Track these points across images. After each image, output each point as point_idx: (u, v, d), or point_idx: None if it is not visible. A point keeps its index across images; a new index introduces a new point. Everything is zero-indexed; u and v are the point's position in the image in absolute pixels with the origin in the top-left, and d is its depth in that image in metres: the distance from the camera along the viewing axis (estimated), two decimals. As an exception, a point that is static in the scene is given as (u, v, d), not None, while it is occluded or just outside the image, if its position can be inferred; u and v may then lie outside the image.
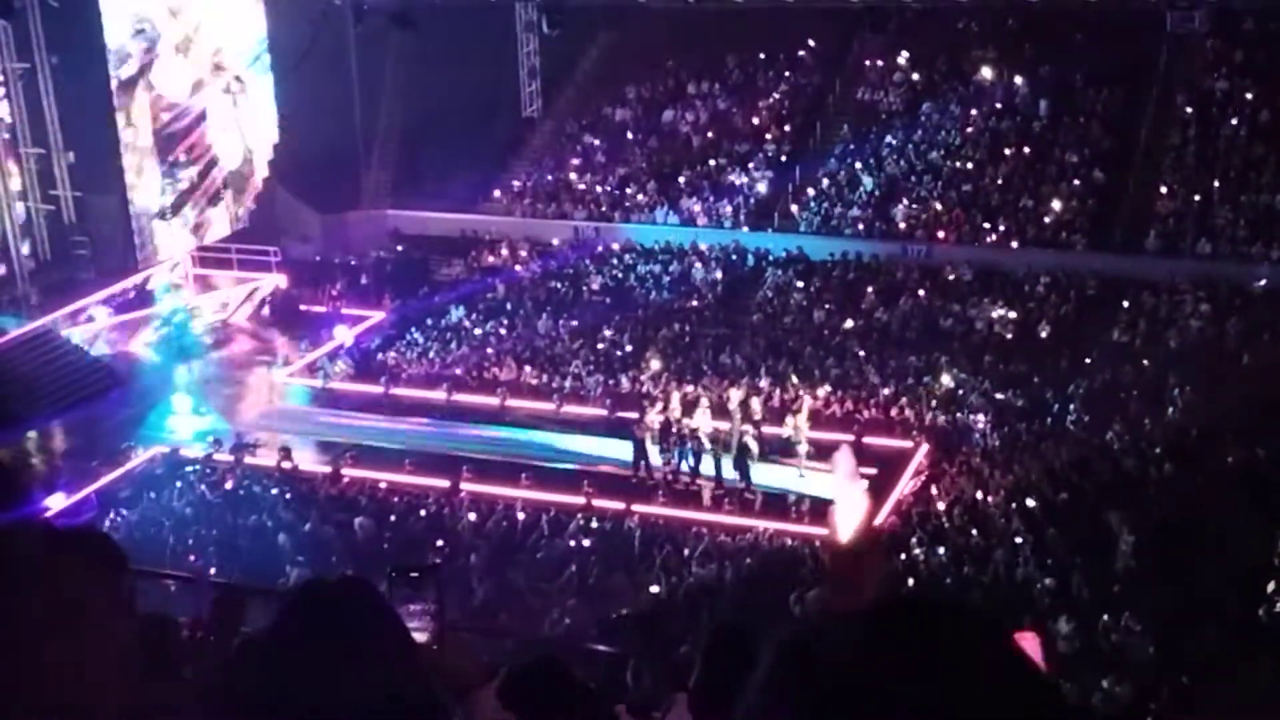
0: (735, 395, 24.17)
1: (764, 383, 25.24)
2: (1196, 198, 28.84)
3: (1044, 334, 26.49)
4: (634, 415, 24.22)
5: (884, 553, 2.88)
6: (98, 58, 28.70)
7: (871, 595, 2.81)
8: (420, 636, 2.85)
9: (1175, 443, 21.62)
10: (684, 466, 23.21)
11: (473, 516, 21.30)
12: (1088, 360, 25.00)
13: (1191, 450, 21.31)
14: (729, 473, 22.76)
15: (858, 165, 31.88)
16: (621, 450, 23.69)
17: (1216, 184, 28.88)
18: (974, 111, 32.27)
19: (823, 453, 22.32)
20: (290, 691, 2.40)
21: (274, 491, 22.21)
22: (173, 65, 30.50)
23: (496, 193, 33.90)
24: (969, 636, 1.47)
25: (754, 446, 22.71)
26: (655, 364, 26.09)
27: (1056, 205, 29.60)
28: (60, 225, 29.47)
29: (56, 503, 21.49)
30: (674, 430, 23.33)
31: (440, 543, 20.45)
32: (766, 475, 22.75)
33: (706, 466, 23.07)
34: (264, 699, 2.43)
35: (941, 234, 29.90)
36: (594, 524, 20.91)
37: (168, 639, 3.96)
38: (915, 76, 33.57)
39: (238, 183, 32.49)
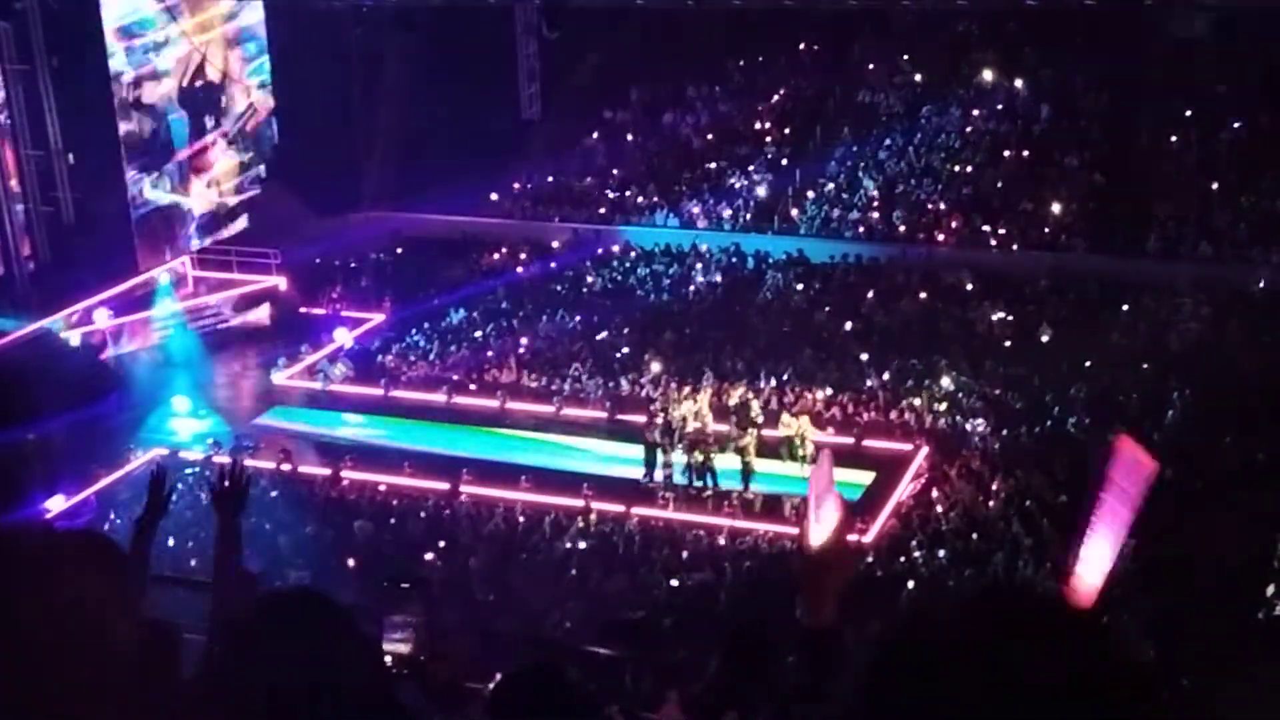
0: (735, 397, 24.15)
1: (764, 385, 25.23)
2: (1197, 200, 28.87)
3: (1044, 337, 26.49)
4: (637, 419, 24.21)
5: (852, 563, 2.88)
6: (98, 59, 28.68)
7: (833, 605, 2.81)
8: (404, 648, 2.84)
9: (1175, 445, 21.61)
10: (680, 473, 23.08)
11: (472, 519, 21.32)
12: (1088, 363, 24.99)
13: (1191, 453, 21.30)
14: (728, 475, 22.73)
15: (858, 168, 31.89)
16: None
17: (1216, 186, 28.89)
18: (974, 114, 32.29)
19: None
20: (251, 704, 2.40)
21: (273, 494, 22.21)
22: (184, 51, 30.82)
23: (496, 195, 33.90)
24: (1070, 627, 1.49)
25: (754, 449, 22.70)
26: (655, 366, 26.08)
27: (1056, 208, 29.61)
28: (60, 226, 29.44)
29: (56, 505, 21.52)
30: (674, 432, 23.28)
31: (440, 545, 20.45)
32: (766, 478, 22.73)
33: (706, 469, 23.01)
34: (227, 710, 2.43)
35: (941, 237, 29.89)
36: (594, 526, 20.93)
37: (169, 642, 3.94)
38: (916, 79, 33.58)
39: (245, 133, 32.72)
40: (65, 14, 27.96)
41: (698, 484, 22.76)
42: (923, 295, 28.08)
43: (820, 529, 2.84)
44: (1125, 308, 26.74)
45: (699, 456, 22.83)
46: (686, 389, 24.76)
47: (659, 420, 23.47)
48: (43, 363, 26.90)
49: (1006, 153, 31.19)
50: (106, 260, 29.24)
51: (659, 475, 23.05)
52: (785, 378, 25.43)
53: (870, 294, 28.36)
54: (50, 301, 28.33)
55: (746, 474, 22.58)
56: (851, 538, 3.02)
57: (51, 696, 2.50)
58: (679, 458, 22.97)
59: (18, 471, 21.12)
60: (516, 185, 34.15)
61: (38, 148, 28.83)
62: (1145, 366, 24.70)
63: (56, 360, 27.29)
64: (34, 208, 29.22)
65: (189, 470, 23.57)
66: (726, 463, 22.84)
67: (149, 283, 30.20)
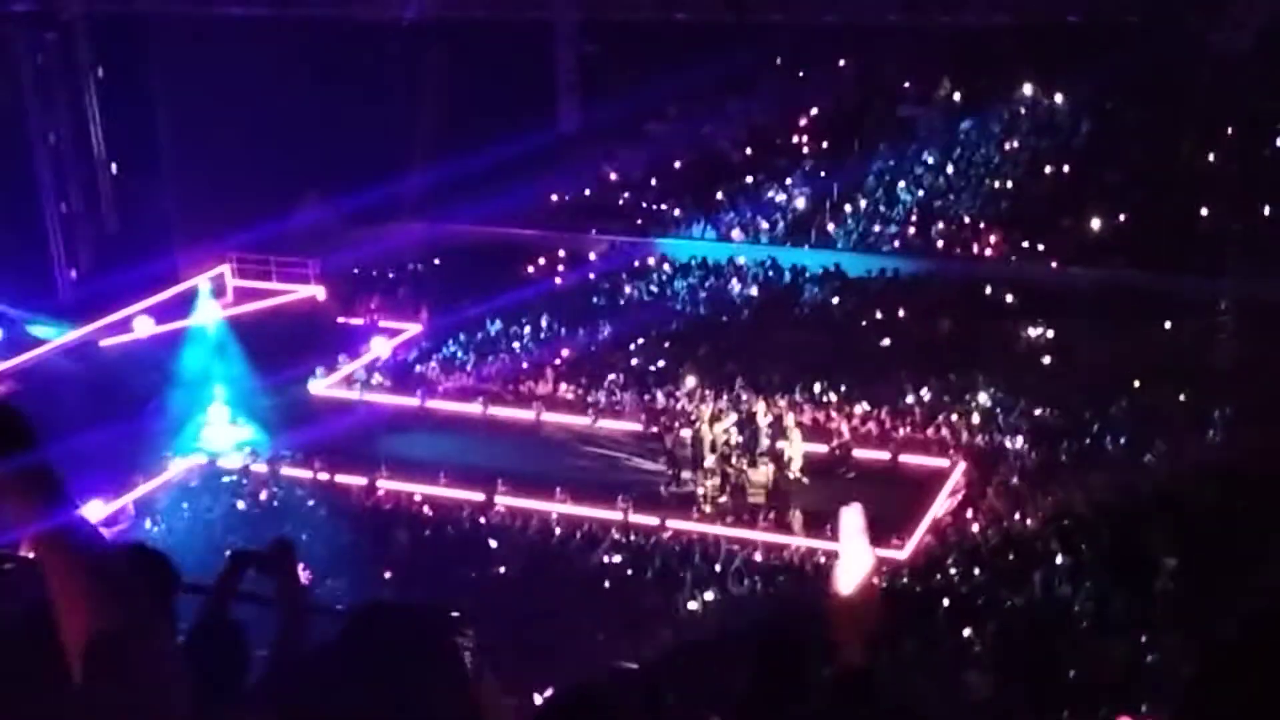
0: (769, 412, 24.04)
1: (800, 399, 25.12)
2: (1238, 217, 28.61)
3: (1083, 353, 26.26)
4: (669, 429, 24.16)
5: (880, 608, 2.98)
6: (142, 69, 28.96)
7: (863, 647, 2.89)
8: None
9: (1217, 464, 21.38)
10: (711, 483, 22.98)
11: (507, 530, 21.34)
12: (1129, 380, 24.76)
13: (1233, 472, 21.08)
14: (762, 489, 22.62)
15: (896, 182, 31.80)
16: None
17: (1259, 203, 28.62)
18: (1014, 130, 32.14)
19: (860, 470, 22.31)
20: (339, 711, 2.38)
21: (310, 503, 22.29)
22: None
23: (534, 206, 33.95)
24: None
25: (796, 462, 22.60)
26: (690, 380, 26.02)
27: (1096, 224, 29.42)
28: (103, 236, 29.69)
29: (94, 512, 21.64)
30: (704, 446, 23.19)
31: (475, 557, 20.47)
32: (801, 491, 22.61)
33: (740, 482, 22.92)
34: (315, 715, 2.42)
35: (981, 251, 29.74)
36: (629, 539, 20.89)
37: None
38: (955, 95, 33.45)
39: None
40: (111, 25, 28.27)
41: (724, 499, 22.63)
42: (961, 311, 27.90)
43: (851, 574, 2.94)
44: (1167, 324, 26.48)
45: (731, 471, 22.76)
46: (722, 402, 24.69)
47: (688, 434, 23.40)
48: (83, 370, 27.15)
49: (1046, 168, 31.01)
50: (148, 268, 29.45)
51: (691, 486, 22.95)
52: (821, 393, 25.31)
53: (908, 309, 28.21)
54: (93, 309, 28.54)
55: (781, 488, 22.44)
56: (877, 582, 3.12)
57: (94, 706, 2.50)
58: (713, 478, 22.79)
59: (61, 476, 21.25)
60: (554, 197, 34.20)
61: (82, 157, 29.13)
62: (1187, 383, 24.44)
63: (97, 367, 27.52)
64: (78, 217, 29.52)
65: (226, 479, 23.72)
66: (761, 475, 22.73)
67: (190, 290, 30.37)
